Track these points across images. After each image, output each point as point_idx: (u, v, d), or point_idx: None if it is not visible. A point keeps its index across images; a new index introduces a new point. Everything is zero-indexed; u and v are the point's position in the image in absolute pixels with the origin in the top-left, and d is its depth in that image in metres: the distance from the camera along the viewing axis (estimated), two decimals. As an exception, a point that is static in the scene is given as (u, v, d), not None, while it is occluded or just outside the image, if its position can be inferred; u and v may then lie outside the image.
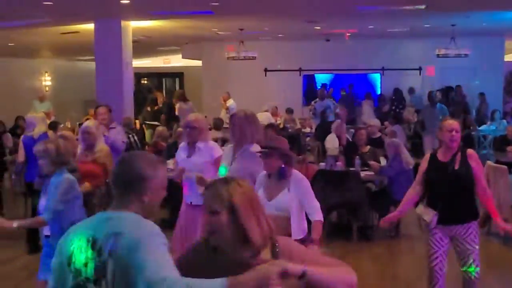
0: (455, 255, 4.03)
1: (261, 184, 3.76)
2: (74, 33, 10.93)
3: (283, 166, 3.65)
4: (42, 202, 3.93)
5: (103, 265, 1.89)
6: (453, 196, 3.91)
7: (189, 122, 4.64)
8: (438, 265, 4.00)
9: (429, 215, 3.96)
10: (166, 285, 1.75)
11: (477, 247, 3.94)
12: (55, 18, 9.22)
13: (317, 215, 3.70)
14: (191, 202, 4.50)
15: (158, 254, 1.84)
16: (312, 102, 12.57)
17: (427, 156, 4.16)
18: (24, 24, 9.67)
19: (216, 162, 4.51)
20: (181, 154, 4.72)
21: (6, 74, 15.58)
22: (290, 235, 3.50)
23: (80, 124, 10.41)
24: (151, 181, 2.02)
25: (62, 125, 9.75)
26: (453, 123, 3.98)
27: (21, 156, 6.34)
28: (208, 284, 1.75)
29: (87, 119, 8.83)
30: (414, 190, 4.13)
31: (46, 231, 3.95)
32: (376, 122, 9.29)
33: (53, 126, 9.48)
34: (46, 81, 16.73)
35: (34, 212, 6.41)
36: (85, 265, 1.93)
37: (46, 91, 15.42)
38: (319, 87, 15.16)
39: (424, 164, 4.09)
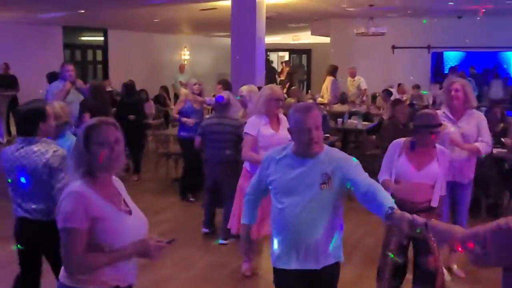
0: None
1: (401, 154, 3.85)
2: (212, 10, 11.66)
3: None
4: None
5: None
6: None
7: (280, 94, 4.62)
8: None
9: None
10: None
11: None
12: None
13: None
14: None
15: None
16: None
17: None
18: (168, 1, 10.52)
19: None
20: (265, 129, 4.55)
21: (151, 48, 16.95)
22: (430, 201, 3.82)
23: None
24: None
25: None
26: None
27: None
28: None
29: (220, 91, 9.51)
30: None
31: None
32: None
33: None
34: (185, 55, 17.95)
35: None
36: None
37: (184, 64, 16.57)
38: (447, 70, 14.75)
39: None
